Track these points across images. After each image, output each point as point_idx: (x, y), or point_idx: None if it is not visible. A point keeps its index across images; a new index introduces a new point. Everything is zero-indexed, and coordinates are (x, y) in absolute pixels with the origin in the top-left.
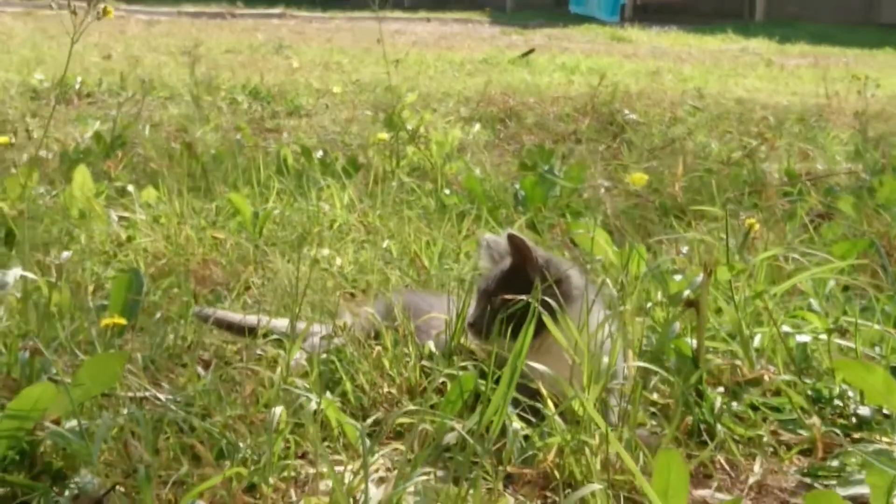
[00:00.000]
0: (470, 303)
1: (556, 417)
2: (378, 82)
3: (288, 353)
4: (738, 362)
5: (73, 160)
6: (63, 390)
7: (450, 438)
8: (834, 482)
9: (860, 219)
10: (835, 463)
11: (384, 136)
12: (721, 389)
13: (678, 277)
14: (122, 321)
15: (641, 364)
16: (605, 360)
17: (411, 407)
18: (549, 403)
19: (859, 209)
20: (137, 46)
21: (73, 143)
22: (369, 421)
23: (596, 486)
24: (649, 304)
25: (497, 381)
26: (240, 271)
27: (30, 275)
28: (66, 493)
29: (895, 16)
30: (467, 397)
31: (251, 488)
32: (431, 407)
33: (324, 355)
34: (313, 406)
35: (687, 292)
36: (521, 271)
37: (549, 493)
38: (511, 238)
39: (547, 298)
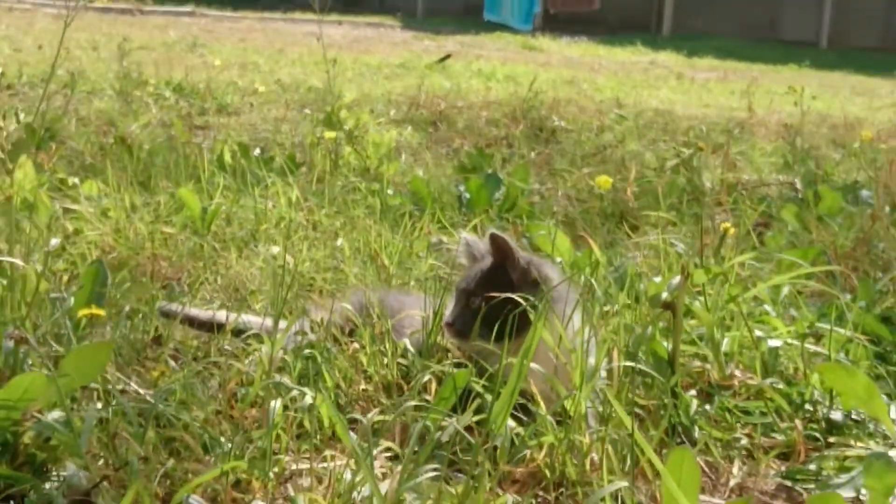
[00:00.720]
0: (447, 302)
1: (548, 417)
2: (299, 83)
3: (271, 348)
4: (708, 366)
5: (6, 152)
6: (51, 380)
7: (444, 436)
8: (812, 485)
9: (803, 228)
10: (812, 466)
11: (331, 134)
12: (693, 392)
13: (657, 279)
14: (101, 312)
15: (629, 364)
16: (591, 360)
17: (412, 402)
18: (541, 402)
19: (801, 219)
20: (48, 40)
21: None
22: (371, 415)
23: (622, 484)
24: (616, 307)
25: (488, 378)
26: (190, 267)
27: (17, 261)
28: (48, 485)
29: (796, 33)
30: (460, 394)
31: (236, 484)
32: (418, 404)
33: (306, 351)
34: (308, 400)
35: (665, 294)
36: (501, 271)
37: (540, 493)
38: (494, 237)
39: (531, 298)
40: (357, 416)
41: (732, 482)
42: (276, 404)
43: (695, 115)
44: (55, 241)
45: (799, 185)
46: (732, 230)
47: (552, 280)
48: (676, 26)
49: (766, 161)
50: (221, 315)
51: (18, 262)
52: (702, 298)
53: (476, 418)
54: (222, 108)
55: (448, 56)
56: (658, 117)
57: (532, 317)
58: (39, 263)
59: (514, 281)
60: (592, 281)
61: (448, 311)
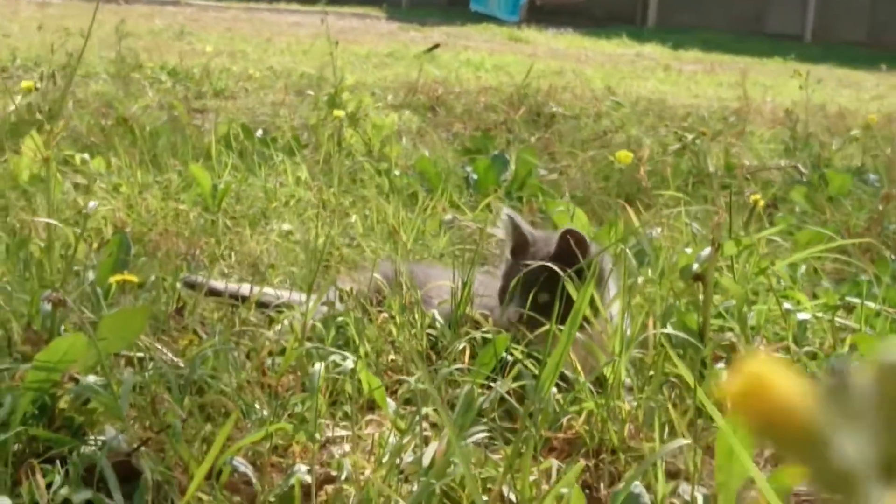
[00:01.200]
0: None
1: (587, 384)
2: (290, 70)
3: (305, 315)
4: (734, 339)
5: (8, 130)
6: (90, 343)
7: (485, 402)
8: None
9: (813, 209)
10: None
11: (340, 112)
12: (721, 365)
13: (688, 250)
14: (134, 278)
15: (666, 332)
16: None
17: (454, 367)
18: (580, 369)
19: (811, 200)
20: (36, 26)
21: None
22: (417, 377)
23: (685, 442)
24: (648, 277)
25: (526, 345)
26: (203, 243)
27: (55, 222)
28: (84, 448)
29: (781, 26)
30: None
31: (274, 449)
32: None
33: (338, 319)
34: (349, 365)
35: (695, 266)
36: (567, 262)
37: (580, 459)
38: (572, 233)
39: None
40: (403, 378)
41: (767, 452)
42: (320, 367)
43: (688, 105)
44: (93, 204)
45: (803, 169)
46: (762, 202)
47: (606, 264)
48: (661, 19)
49: (766, 147)
50: (247, 287)
51: (57, 223)
52: (727, 272)
53: (516, 384)
54: (219, 93)
55: (437, 45)
56: (653, 105)
57: (570, 288)
58: (68, 227)
59: (580, 273)
60: (627, 250)
61: (483, 297)
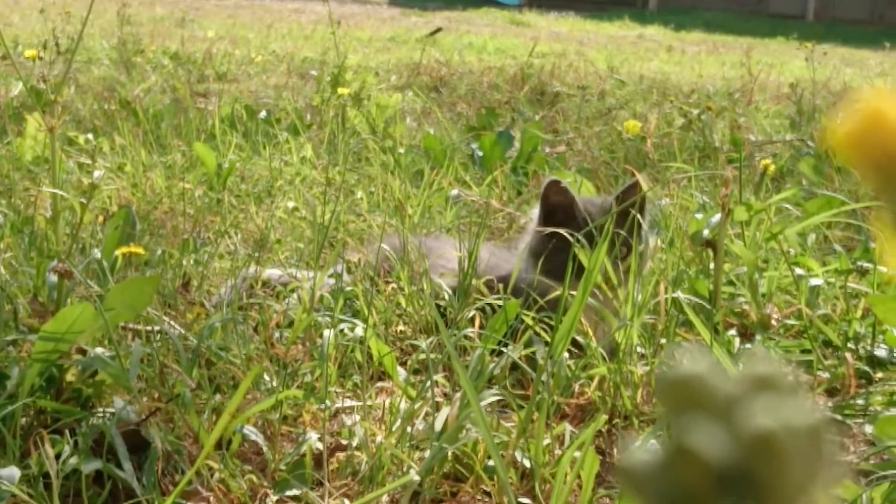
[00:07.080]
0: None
1: (600, 349)
2: (292, 54)
3: (314, 284)
4: (746, 306)
5: (10, 115)
6: (99, 313)
7: (496, 368)
8: (861, 420)
9: (821, 181)
10: (860, 402)
11: (345, 90)
12: (733, 332)
13: (699, 216)
14: (140, 251)
15: (677, 296)
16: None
17: (465, 331)
18: (592, 334)
19: (819, 172)
20: (37, 15)
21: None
22: (430, 341)
23: None
24: (661, 243)
25: (537, 312)
26: (208, 221)
27: (61, 192)
28: (92, 420)
29: (783, 6)
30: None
31: (283, 419)
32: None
33: (347, 289)
34: (359, 332)
35: (705, 232)
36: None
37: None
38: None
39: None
40: (412, 349)
41: None
42: (330, 333)
43: (692, 83)
44: (99, 174)
45: (811, 143)
46: (772, 167)
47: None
48: (663, 1)
49: (771, 122)
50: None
51: (63, 193)
52: (738, 239)
53: (527, 351)
54: (221, 76)
55: (439, 29)
56: (657, 84)
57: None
58: (74, 198)
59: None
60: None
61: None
